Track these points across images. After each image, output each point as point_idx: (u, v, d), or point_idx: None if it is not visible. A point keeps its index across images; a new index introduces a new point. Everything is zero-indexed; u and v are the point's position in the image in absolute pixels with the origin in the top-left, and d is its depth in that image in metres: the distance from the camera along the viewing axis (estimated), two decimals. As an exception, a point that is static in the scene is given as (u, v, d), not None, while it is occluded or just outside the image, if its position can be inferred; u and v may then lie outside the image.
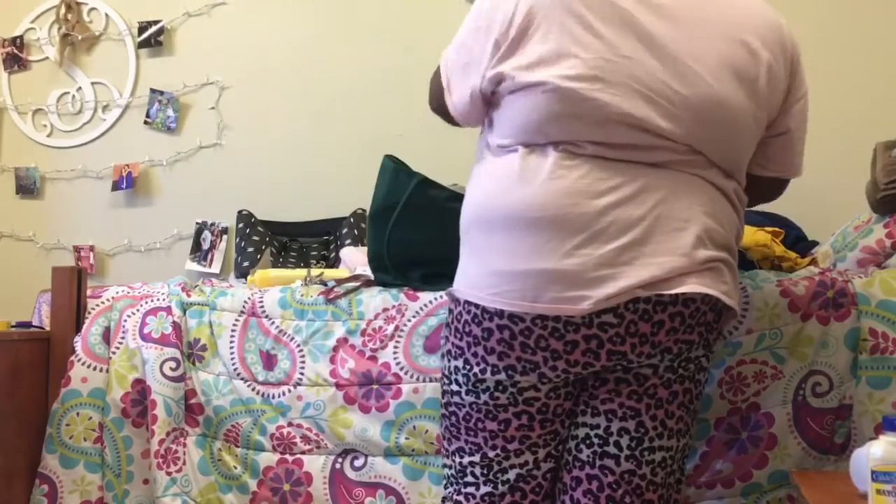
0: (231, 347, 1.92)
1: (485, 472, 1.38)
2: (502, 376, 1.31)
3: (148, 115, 3.14)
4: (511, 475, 1.37)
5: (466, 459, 1.39)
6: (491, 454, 1.37)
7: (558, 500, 1.40)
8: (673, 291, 1.22)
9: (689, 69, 1.24)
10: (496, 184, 1.30)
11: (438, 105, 1.45)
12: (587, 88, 1.22)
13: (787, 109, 1.38)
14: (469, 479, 1.40)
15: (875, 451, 1.24)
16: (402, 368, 1.79)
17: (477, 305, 1.29)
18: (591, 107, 1.23)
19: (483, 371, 1.33)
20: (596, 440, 1.34)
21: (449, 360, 1.40)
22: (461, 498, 1.41)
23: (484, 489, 1.38)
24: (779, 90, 1.34)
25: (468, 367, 1.35)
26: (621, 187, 1.23)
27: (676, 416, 1.34)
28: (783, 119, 1.38)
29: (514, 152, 1.30)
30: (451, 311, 1.39)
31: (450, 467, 1.44)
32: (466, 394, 1.36)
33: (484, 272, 1.29)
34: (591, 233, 1.22)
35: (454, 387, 1.39)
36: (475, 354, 1.32)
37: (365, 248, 2.32)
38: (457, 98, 1.37)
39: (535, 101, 1.26)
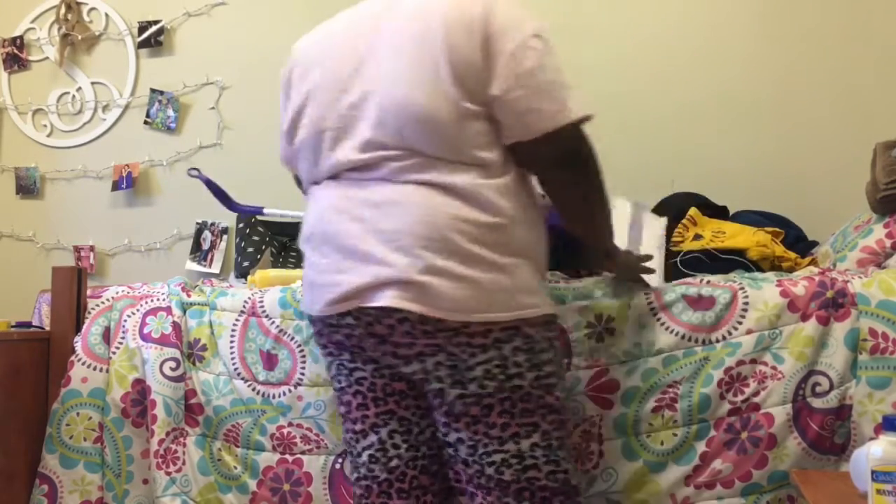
0: (231, 347, 1.92)
1: (351, 455, 1.53)
2: (334, 360, 1.51)
3: (148, 115, 3.14)
4: (364, 457, 1.50)
5: (343, 447, 1.56)
6: (348, 437, 1.53)
7: None
8: (370, 305, 1.34)
9: (385, 73, 1.38)
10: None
11: None
12: (316, 133, 1.45)
13: (489, 82, 1.36)
14: (355, 464, 1.53)
15: (875, 451, 1.24)
16: (401, 368, 1.79)
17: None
18: (324, 146, 1.45)
19: (326, 357, 1.54)
20: (449, 448, 1.44)
21: None
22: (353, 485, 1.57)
23: (356, 474, 1.53)
24: (473, 69, 1.35)
25: (325, 360, 1.56)
26: (353, 207, 1.39)
27: (500, 425, 1.37)
28: (491, 90, 1.36)
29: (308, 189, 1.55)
30: None
31: None
32: (331, 382, 1.57)
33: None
34: (331, 246, 1.40)
35: None
36: (320, 347, 1.55)
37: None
38: None
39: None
